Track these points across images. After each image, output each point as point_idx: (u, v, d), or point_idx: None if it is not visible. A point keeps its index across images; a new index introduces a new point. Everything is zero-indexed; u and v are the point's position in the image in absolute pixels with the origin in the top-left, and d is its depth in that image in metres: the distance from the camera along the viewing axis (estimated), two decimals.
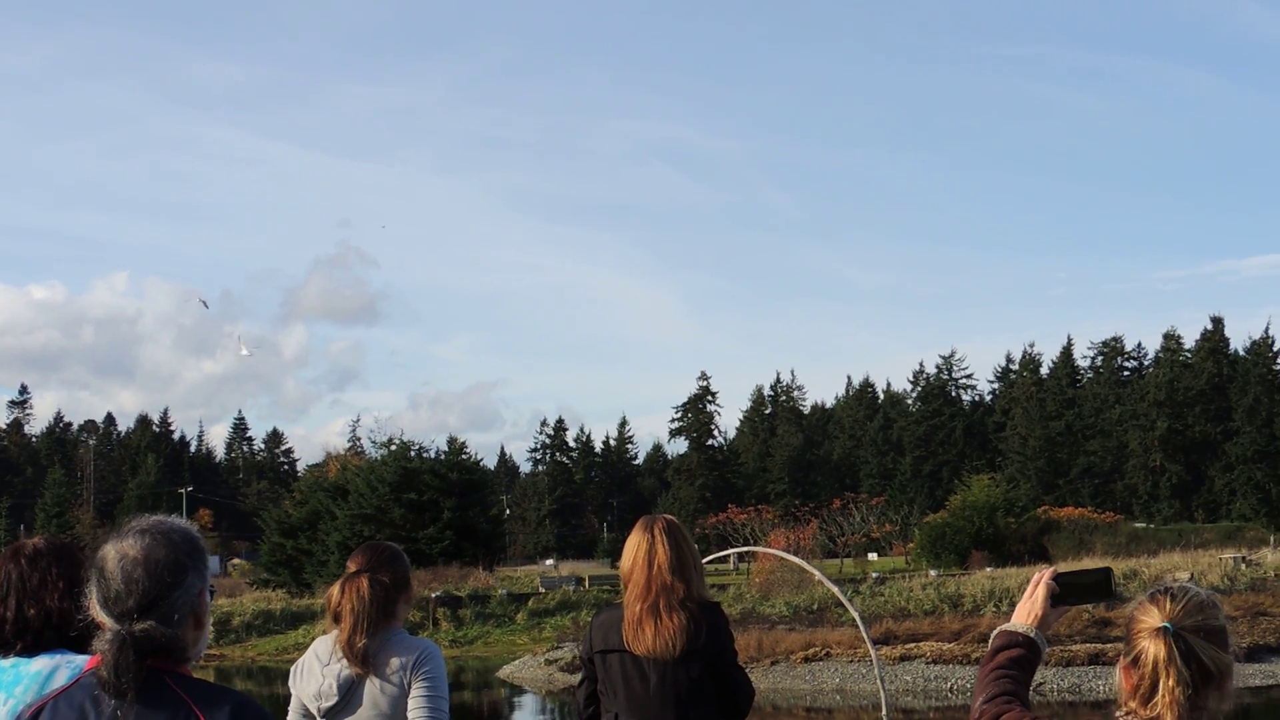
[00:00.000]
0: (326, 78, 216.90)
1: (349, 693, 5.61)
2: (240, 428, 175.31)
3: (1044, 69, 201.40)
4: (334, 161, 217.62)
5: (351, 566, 5.79)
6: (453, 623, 61.73)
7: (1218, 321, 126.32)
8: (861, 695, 38.62)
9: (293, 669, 5.84)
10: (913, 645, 42.74)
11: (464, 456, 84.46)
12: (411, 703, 5.56)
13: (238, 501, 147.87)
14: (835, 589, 11.01)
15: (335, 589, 5.70)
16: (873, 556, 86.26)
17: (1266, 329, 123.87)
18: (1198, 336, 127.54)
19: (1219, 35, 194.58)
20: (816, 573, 12.10)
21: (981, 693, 3.68)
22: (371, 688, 5.58)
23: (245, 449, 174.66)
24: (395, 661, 5.60)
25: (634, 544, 6.15)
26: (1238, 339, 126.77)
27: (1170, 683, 3.33)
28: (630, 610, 6.01)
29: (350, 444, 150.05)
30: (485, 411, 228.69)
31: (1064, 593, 3.84)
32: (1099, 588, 3.81)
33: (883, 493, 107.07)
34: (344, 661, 5.61)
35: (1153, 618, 3.40)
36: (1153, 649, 3.35)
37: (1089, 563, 54.88)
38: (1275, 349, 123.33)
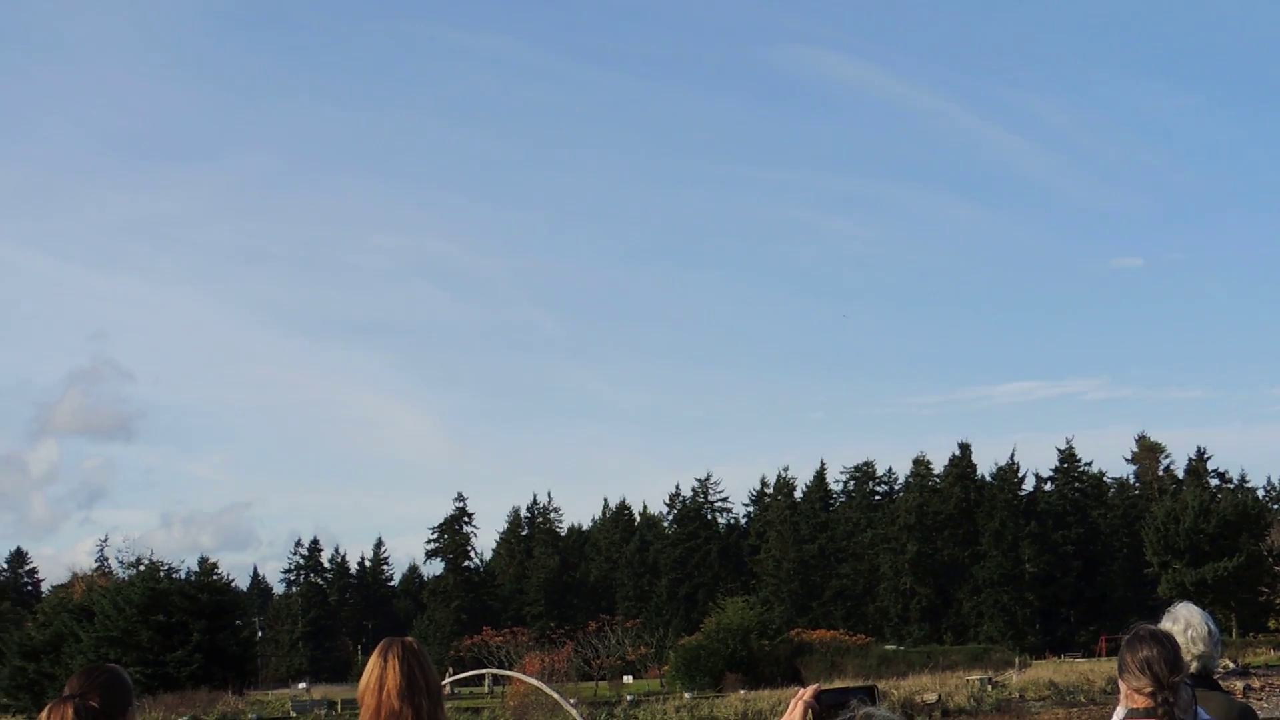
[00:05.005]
0: (80, 185, 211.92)
1: None
2: None
3: (803, 192, 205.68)
4: (88, 272, 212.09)
5: (65, 691, 5.60)
6: None
7: (965, 447, 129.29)
8: None
9: None
10: None
11: (215, 577, 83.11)
12: None
13: None
14: (577, 716, 10.94)
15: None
16: (628, 679, 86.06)
17: (1012, 455, 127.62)
18: (946, 462, 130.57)
19: (974, 164, 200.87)
20: (560, 698, 12.03)
21: None
22: None
23: None
24: None
25: (368, 669, 6.07)
26: (985, 464, 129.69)
27: None
28: None
29: (98, 564, 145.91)
30: (240, 531, 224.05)
31: (826, 711, 3.85)
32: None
33: (638, 615, 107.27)
34: None
35: None
36: None
37: (844, 684, 55.43)
38: (1020, 474, 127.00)
